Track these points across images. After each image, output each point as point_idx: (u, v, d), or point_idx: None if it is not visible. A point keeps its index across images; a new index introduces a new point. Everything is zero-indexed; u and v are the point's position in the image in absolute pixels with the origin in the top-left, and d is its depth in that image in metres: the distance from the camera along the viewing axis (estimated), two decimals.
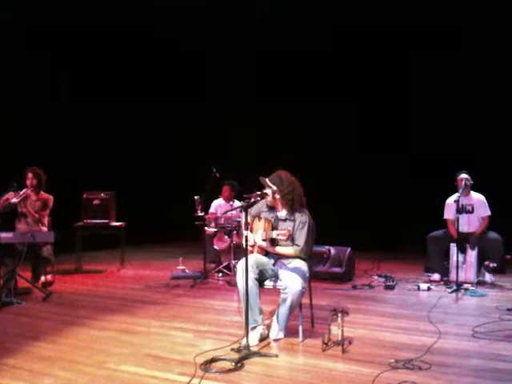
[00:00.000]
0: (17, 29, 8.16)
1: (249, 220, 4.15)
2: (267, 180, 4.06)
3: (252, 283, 3.80)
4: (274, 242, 4.00)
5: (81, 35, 8.92)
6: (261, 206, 4.19)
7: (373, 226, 8.51)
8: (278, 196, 4.03)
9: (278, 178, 4.04)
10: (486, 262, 6.02)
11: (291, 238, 3.92)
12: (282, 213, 4.08)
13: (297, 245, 3.94)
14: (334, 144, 9.04)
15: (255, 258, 3.97)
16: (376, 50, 8.74)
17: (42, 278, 5.93)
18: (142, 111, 9.85)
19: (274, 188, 4.02)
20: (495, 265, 5.99)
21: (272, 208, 4.14)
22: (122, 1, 9.15)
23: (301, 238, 3.93)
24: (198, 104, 10.01)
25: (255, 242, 4.08)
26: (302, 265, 3.93)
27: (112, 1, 9.02)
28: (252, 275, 3.81)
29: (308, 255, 4.01)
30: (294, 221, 3.99)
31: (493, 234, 6.07)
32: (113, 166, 9.32)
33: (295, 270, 3.85)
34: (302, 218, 3.97)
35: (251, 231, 4.15)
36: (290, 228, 3.93)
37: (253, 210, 4.22)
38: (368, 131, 9.01)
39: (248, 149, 9.01)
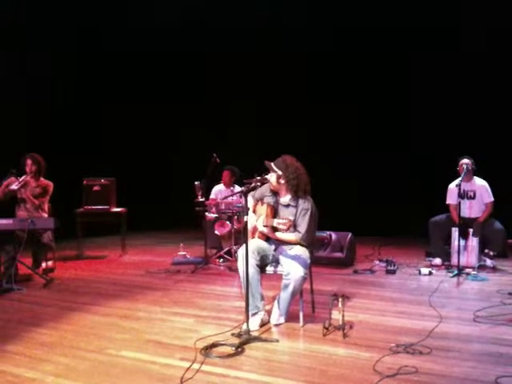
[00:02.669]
0: (18, 29, 8.15)
1: (251, 203, 4.15)
2: (272, 164, 4.01)
3: (253, 269, 3.79)
4: (274, 228, 3.97)
5: (81, 35, 8.89)
6: (264, 190, 4.14)
7: (374, 211, 8.49)
8: (282, 181, 3.97)
9: (283, 163, 3.97)
10: (486, 250, 6.00)
11: (293, 226, 3.88)
12: (285, 198, 4.03)
13: (298, 231, 3.91)
14: (334, 144, 9.03)
15: (256, 243, 3.94)
16: (376, 49, 8.70)
17: (43, 265, 5.93)
18: (142, 111, 9.81)
19: (280, 173, 3.95)
20: (495, 253, 5.98)
21: (275, 193, 4.10)
22: (122, 1, 9.13)
23: (302, 224, 3.89)
24: (198, 104, 9.99)
25: (256, 226, 4.05)
26: (304, 251, 3.90)
27: (112, 1, 9.00)
28: (253, 261, 3.80)
29: (309, 242, 3.97)
30: (296, 207, 3.94)
31: (497, 225, 6.00)
32: (113, 152, 9.28)
33: (297, 256, 3.83)
34: (304, 204, 3.92)
35: (254, 213, 4.13)
36: (292, 214, 3.89)
37: (256, 194, 4.18)
38: (368, 131, 9.01)
39: (248, 148, 8.96)
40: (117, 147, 9.44)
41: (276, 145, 4.18)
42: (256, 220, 4.05)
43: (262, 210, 4.05)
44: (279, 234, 3.96)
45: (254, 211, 4.16)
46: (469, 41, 7.72)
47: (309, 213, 3.90)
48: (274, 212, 4.02)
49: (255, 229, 4.05)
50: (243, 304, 3.58)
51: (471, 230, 5.94)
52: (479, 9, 7.55)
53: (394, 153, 8.65)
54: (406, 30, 8.18)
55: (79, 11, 8.67)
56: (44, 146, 6.69)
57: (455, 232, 5.93)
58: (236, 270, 4.00)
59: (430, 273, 5.76)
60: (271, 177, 3.99)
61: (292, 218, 3.83)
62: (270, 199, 4.09)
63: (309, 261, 3.89)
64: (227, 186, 7.09)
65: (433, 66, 8.30)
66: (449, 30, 7.95)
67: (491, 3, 7.51)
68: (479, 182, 6.19)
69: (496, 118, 7.79)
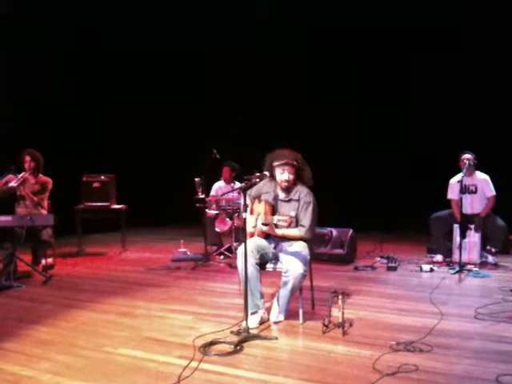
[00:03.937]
0: (18, 29, 8.13)
1: (248, 202, 4.10)
2: (287, 159, 3.92)
3: (253, 268, 3.74)
4: (275, 225, 3.92)
5: (81, 35, 8.85)
6: (261, 187, 4.09)
7: (375, 207, 8.45)
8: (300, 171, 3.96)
9: (292, 154, 3.94)
10: (488, 247, 5.97)
11: (295, 220, 3.83)
12: (284, 194, 3.99)
13: (302, 225, 3.87)
14: (334, 144, 8.97)
15: (255, 242, 3.89)
16: (376, 49, 8.66)
17: (43, 262, 5.90)
18: (142, 111, 9.76)
19: (296, 163, 3.91)
20: (497, 250, 5.95)
21: (273, 189, 4.03)
22: (122, 1, 9.08)
23: (306, 218, 3.86)
24: (198, 104, 9.94)
25: (256, 225, 4.00)
26: (303, 248, 3.86)
27: (112, 1, 8.95)
28: (252, 260, 3.75)
29: (312, 236, 3.94)
30: (298, 201, 3.91)
31: (499, 221, 5.94)
32: (113, 151, 9.24)
33: (296, 252, 3.78)
34: (306, 198, 3.89)
35: (251, 213, 4.08)
36: (294, 209, 3.86)
37: (252, 192, 4.13)
38: (368, 131, 8.95)
39: (247, 148, 8.91)
40: (116, 147, 9.39)
41: (276, 145, 4.17)
42: (255, 220, 3.98)
43: (260, 207, 3.99)
44: (282, 231, 3.88)
45: (252, 210, 4.09)
46: (469, 41, 7.67)
47: (311, 206, 3.87)
48: (273, 209, 3.97)
49: (252, 234, 4.00)
50: (243, 301, 3.55)
51: (472, 226, 5.90)
52: (479, 9, 7.51)
53: (394, 152, 8.60)
54: (406, 30, 8.14)
55: (79, 11, 8.63)
56: (43, 146, 6.63)
57: (457, 228, 5.89)
58: (236, 267, 3.97)
59: (432, 269, 5.72)
60: (287, 174, 3.89)
61: (293, 214, 3.79)
62: (267, 196, 4.04)
63: (308, 257, 3.85)
64: (227, 182, 7.05)
65: (433, 66, 8.26)
66: (449, 30, 7.90)
67: (491, 3, 7.46)
68: (480, 176, 6.14)
69: (496, 117, 7.73)
